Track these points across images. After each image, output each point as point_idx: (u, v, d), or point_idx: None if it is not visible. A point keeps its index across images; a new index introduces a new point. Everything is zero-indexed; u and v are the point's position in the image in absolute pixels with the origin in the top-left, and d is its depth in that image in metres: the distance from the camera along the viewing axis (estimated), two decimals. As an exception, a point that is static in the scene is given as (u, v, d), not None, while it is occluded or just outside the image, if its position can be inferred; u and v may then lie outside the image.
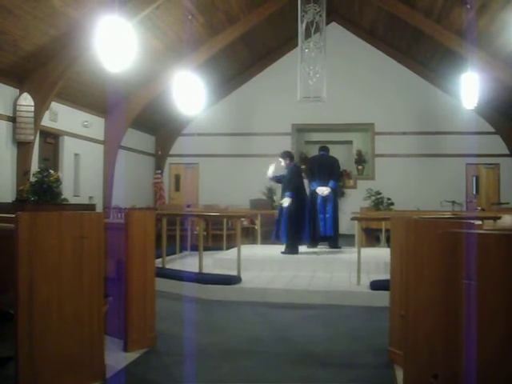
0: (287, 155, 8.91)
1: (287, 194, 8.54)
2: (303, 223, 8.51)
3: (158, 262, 7.19)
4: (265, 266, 7.88)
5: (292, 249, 8.50)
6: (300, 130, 15.88)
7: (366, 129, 15.53)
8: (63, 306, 3.39)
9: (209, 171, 15.94)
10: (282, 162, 8.83)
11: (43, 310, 3.29)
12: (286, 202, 8.40)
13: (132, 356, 4.21)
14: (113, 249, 4.29)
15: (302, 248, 8.93)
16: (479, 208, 12.97)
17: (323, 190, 8.83)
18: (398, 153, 15.12)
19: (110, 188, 13.32)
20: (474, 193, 14.67)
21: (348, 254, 8.36)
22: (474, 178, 14.73)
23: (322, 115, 14.97)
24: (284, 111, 15.38)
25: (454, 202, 13.00)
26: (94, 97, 12.10)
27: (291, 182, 8.59)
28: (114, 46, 7.76)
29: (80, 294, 3.48)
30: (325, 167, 9.03)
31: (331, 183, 8.92)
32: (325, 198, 8.85)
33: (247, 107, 15.84)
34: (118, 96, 12.23)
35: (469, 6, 10.08)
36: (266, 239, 11.34)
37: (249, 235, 12.31)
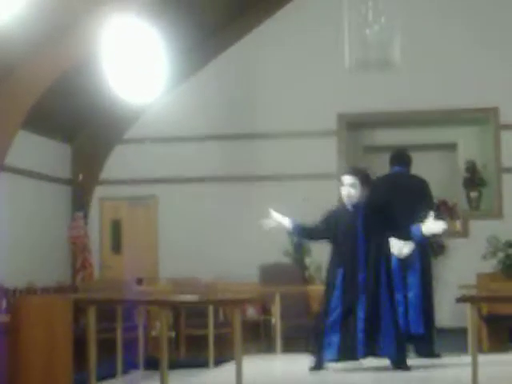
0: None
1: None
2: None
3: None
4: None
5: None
6: (353, 124, 11.78)
7: (483, 120, 11.54)
8: None
9: (177, 211, 11.79)
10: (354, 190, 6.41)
11: None
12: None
13: None
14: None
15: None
16: None
17: (401, 247, 6.85)
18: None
19: (-15, 249, 9.96)
20: None
21: (454, 370, 6.42)
22: None
23: (395, 97, 11.12)
24: (321, 92, 11.35)
25: None
26: None
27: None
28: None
29: None
30: (402, 198, 6.99)
31: (416, 230, 6.36)
32: (404, 261, 6.88)
33: (248, 85, 11.84)
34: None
35: None
36: (292, 344, 8.85)
37: (259, 336, 9.66)
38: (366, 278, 5.91)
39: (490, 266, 9.96)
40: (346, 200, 5.75)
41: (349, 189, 5.92)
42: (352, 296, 5.82)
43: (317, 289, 9.21)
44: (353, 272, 5.80)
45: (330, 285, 6.08)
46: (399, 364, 5.94)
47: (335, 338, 6.05)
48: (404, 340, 6.63)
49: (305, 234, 6.49)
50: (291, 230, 6.35)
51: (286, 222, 6.14)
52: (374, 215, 5.99)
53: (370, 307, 5.97)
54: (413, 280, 7.22)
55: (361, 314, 6.02)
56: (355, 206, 5.87)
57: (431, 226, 6.24)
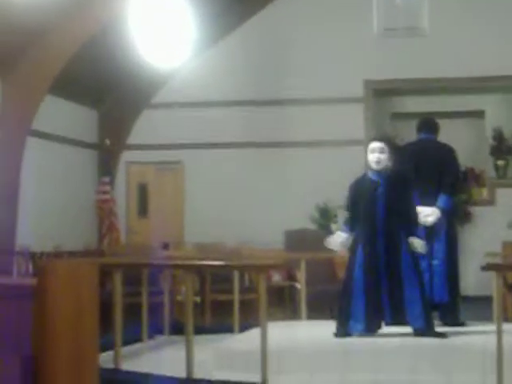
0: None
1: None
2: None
3: (107, 360, 5.70)
4: (316, 365, 5.53)
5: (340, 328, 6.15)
6: (380, 91, 11.89)
7: (511, 87, 11.52)
8: None
9: (203, 176, 11.87)
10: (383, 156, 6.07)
11: None
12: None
13: None
14: (12, 335, 3.53)
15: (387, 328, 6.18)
16: None
17: (426, 215, 6.61)
18: None
19: (12, 212, 9.90)
20: None
21: (479, 338, 6.09)
22: None
23: (422, 64, 11.15)
24: (348, 58, 11.44)
25: None
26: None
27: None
28: None
29: None
30: (429, 166, 6.81)
31: (443, 199, 6.56)
32: (430, 229, 6.55)
33: (276, 51, 11.88)
34: (25, 38, 9.50)
35: None
36: (317, 310, 8.42)
37: (284, 302, 10.04)
38: (386, 247, 5.83)
39: (517, 234, 9.95)
40: (374, 166, 5.59)
41: (378, 155, 5.76)
42: (373, 265, 5.74)
43: (342, 255, 8.48)
44: (373, 240, 5.74)
45: (352, 253, 6.03)
46: (427, 332, 5.81)
47: (361, 309, 5.95)
48: (430, 308, 6.33)
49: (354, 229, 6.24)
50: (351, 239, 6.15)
51: (344, 237, 5.98)
52: (397, 184, 5.86)
53: (393, 276, 5.84)
54: (438, 248, 6.87)
55: (384, 282, 5.91)
56: (378, 175, 5.70)
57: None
